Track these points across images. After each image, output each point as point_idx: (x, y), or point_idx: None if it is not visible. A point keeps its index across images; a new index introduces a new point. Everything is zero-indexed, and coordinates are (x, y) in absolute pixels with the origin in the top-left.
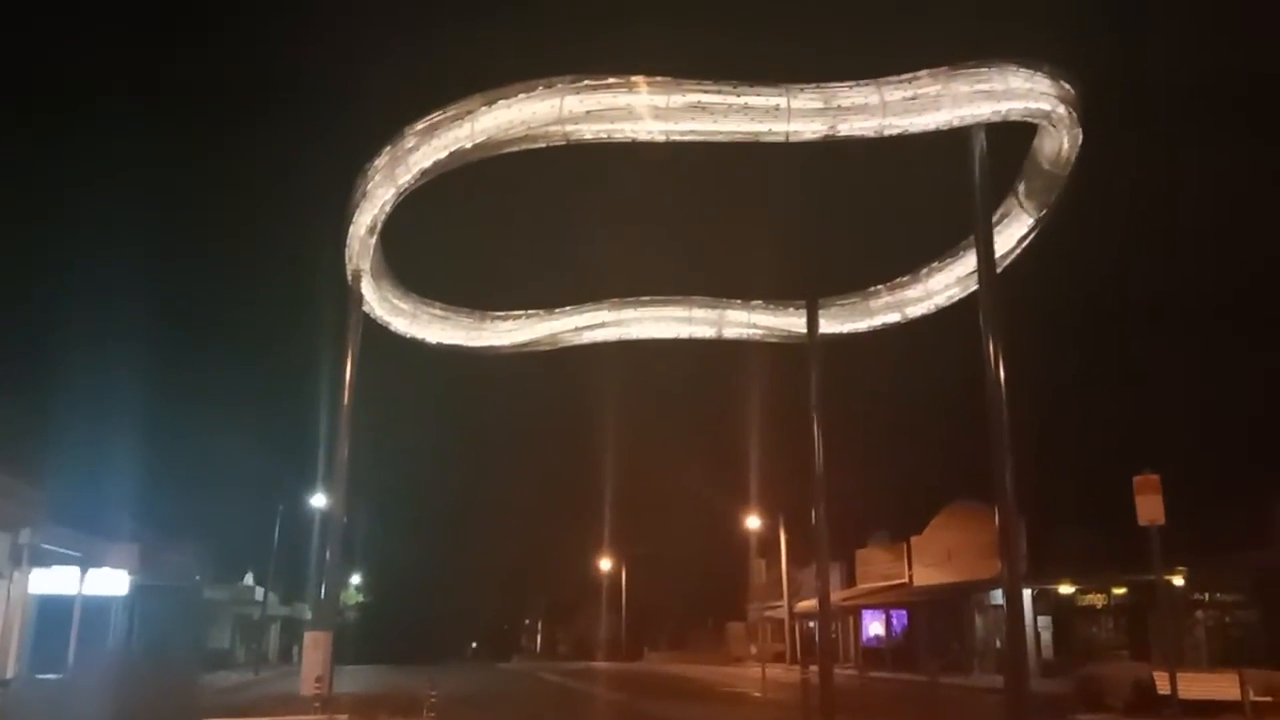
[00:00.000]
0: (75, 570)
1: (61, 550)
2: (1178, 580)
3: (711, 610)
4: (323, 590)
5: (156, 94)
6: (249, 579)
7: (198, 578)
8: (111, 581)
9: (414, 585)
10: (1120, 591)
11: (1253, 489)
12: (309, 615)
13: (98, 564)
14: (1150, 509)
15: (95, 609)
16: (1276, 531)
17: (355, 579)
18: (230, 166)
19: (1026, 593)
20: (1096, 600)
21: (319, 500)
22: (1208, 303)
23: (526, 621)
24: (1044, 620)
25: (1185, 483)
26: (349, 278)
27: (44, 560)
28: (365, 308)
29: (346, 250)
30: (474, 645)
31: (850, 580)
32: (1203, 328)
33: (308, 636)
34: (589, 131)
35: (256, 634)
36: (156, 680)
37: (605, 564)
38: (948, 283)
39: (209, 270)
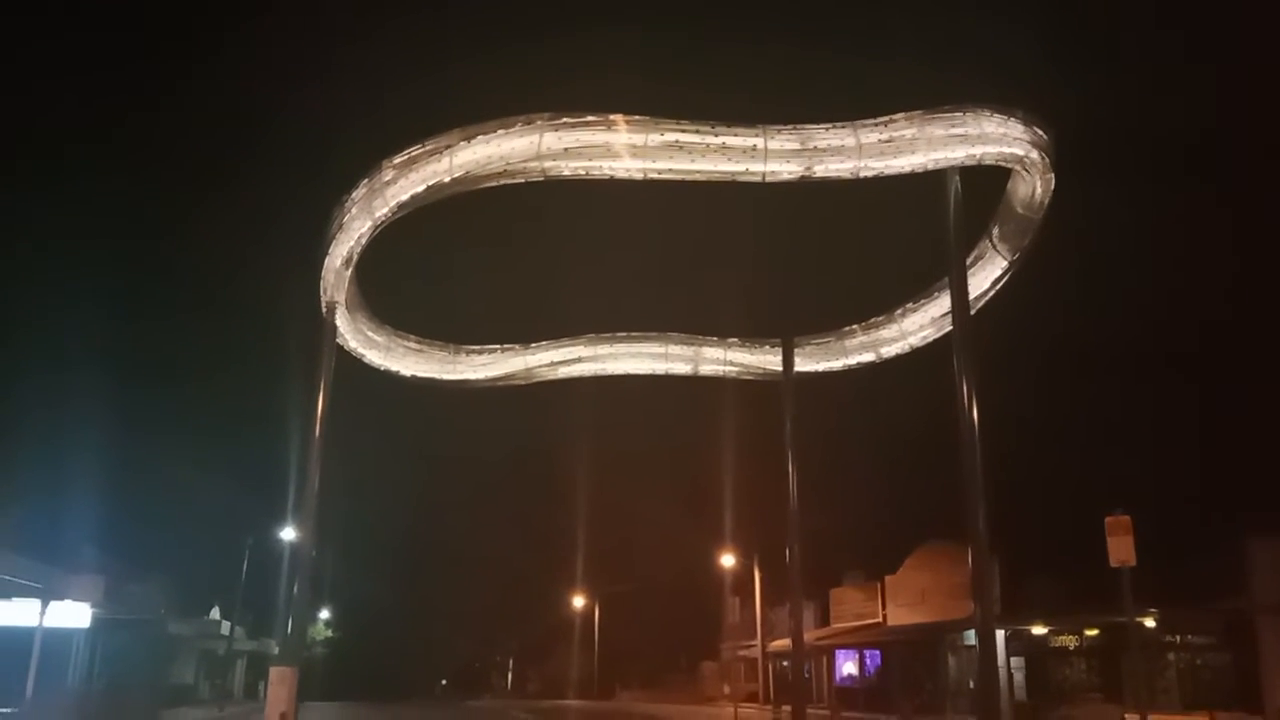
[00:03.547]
0: (36, 603)
1: (22, 581)
2: (1149, 622)
3: (685, 649)
4: (290, 625)
5: (125, 131)
6: (215, 613)
7: (162, 611)
8: (73, 614)
9: (383, 621)
10: (1093, 633)
11: (1223, 533)
12: (276, 651)
13: (59, 596)
14: (1122, 550)
15: (56, 642)
16: (1247, 575)
17: (324, 614)
18: (202, 198)
19: (999, 633)
20: (1069, 641)
21: (288, 533)
22: (1180, 347)
23: (497, 659)
24: (1017, 661)
25: (1157, 526)
26: (323, 310)
27: (3, 591)
28: (339, 340)
29: (321, 282)
30: (443, 682)
31: (824, 620)
32: (1175, 372)
33: (273, 672)
34: (567, 168)
35: (222, 669)
36: (115, 716)
37: (578, 602)
38: (922, 323)
39: (179, 299)
